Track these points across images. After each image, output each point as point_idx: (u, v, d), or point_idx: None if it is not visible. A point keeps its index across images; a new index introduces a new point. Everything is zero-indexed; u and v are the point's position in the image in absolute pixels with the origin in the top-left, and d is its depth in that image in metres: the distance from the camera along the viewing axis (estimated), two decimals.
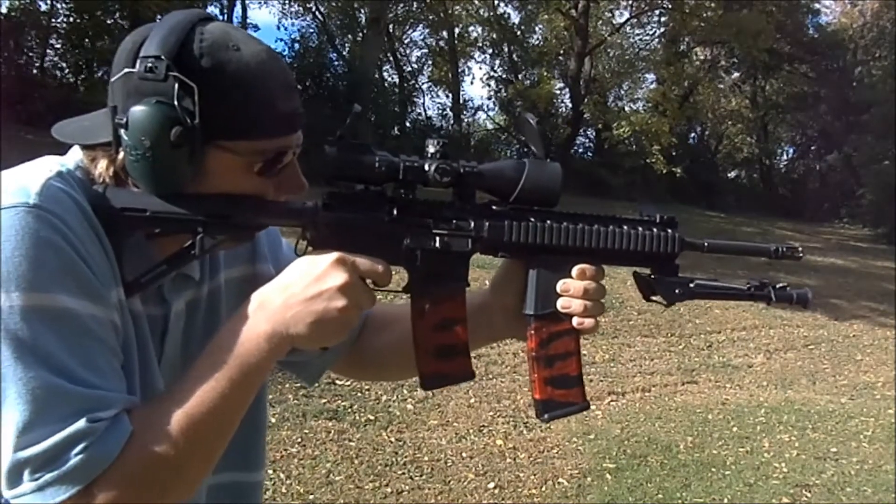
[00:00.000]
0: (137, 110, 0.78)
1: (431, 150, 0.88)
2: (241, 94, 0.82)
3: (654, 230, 0.97)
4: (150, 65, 0.78)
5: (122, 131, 0.79)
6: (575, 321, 0.94)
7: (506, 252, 0.94)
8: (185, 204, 0.83)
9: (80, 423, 0.71)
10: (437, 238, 0.89)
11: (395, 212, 0.88)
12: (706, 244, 1.00)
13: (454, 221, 0.90)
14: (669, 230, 0.97)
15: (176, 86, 0.78)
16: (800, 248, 1.03)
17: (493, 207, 0.92)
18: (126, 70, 0.80)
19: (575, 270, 0.94)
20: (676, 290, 0.98)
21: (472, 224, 0.91)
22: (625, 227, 0.95)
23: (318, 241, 0.86)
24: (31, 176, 0.78)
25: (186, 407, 0.76)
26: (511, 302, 0.98)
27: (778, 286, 1.00)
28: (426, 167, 0.87)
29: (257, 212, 0.87)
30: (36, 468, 0.71)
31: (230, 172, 0.84)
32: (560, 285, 0.94)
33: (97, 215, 0.80)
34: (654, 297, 0.99)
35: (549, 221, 0.93)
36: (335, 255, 0.82)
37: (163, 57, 0.78)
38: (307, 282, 0.80)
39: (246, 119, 0.82)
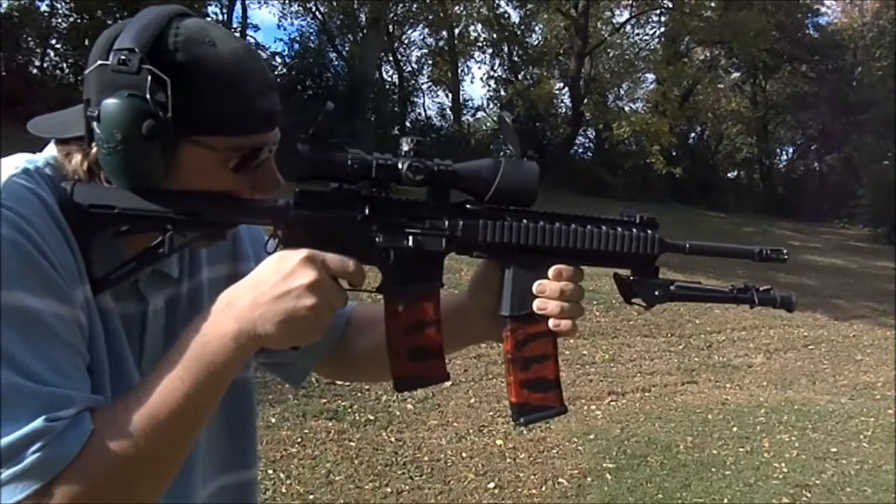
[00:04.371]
0: (109, 103, 0.77)
1: (405, 148, 0.87)
2: (216, 89, 0.81)
3: (634, 231, 0.94)
4: (123, 57, 0.77)
5: (94, 124, 0.78)
6: (551, 323, 0.92)
7: (481, 252, 0.92)
8: (155, 200, 0.82)
9: (38, 422, 0.70)
10: (411, 237, 0.88)
11: (367, 210, 0.86)
12: (687, 246, 0.98)
13: (428, 220, 0.89)
14: (649, 231, 0.95)
15: (149, 79, 0.77)
16: (785, 251, 0.99)
17: (468, 206, 0.91)
18: (99, 62, 0.79)
19: (551, 271, 0.92)
20: (656, 292, 0.95)
21: (447, 223, 0.89)
22: (603, 228, 0.93)
23: (289, 240, 0.85)
24: None
25: (150, 407, 0.75)
26: (488, 303, 0.96)
27: (761, 289, 0.98)
28: (399, 165, 0.86)
29: (228, 210, 0.85)
30: None
31: (204, 168, 0.83)
32: (536, 286, 0.92)
33: (65, 212, 0.79)
34: (634, 300, 0.97)
35: (525, 221, 0.91)
36: (305, 252, 0.80)
37: (136, 50, 0.77)
38: (276, 280, 0.79)
39: (220, 115, 0.81)
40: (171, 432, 0.76)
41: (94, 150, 0.80)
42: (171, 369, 0.77)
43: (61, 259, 0.77)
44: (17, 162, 0.81)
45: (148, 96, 0.77)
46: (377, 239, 0.87)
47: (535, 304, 0.92)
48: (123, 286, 0.86)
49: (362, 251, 0.86)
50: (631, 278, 0.97)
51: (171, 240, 0.83)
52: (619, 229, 0.94)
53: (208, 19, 0.94)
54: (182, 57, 0.79)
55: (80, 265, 0.80)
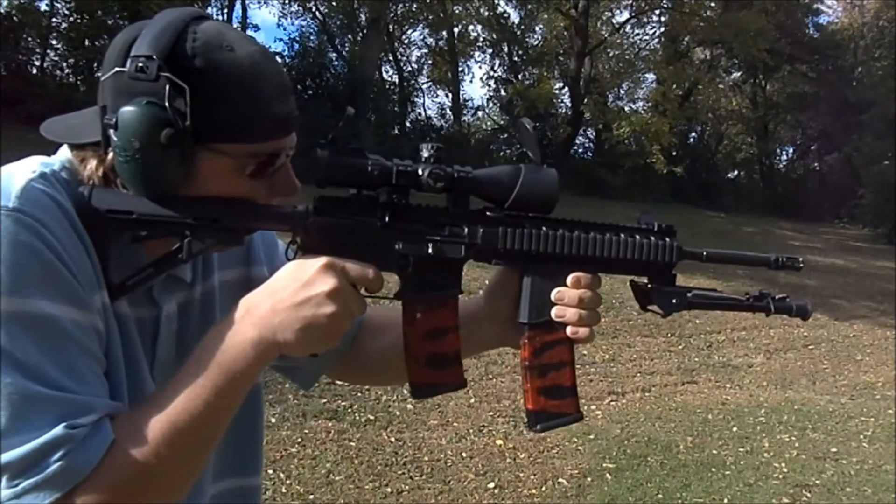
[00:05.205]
0: (127, 111, 0.76)
1: (426, 154, 0.86)
2: (234, 95, 0.80)
3: (652, 239, 0.95)
4: (140, 64, 0.76)
5: (111, 132, 0.77)
6: (569, 330, 0.92)
7: (500, 259, 0.92)
8: (173, 206, 0.81)
9: (58, 430, 0.69)
10: (430, 244, 0.87)
11: (387, 217, 0.86)
12: (705, 253, 0.98)
13: (447, 227, 0.88)
14: (667, 239, 0.95)
15: (167, 86, 0.76)
16: (800, 259, 1.00)
17: (488, 214, 0.91)
18: (116, 69, 0.78)
19: (570, 279, 0.92)
20: (673, 300, 0.96)
21: (466, 230, 0.89)
22: (622, 236, 0.94)
23: (308, 246, 0.84)
24: (12, 178, 0.76)
25: (170, 414, 0.75)
26: (505, 310, 0.96)
27: (777, 297, 0.98)
28: (420, 172, 0.85)
29: (247, 215, 0.85)
30: (14, 475, 0.69)
31: (222, 175, 0.82)
32: (555, 294, 0.92)
33: (82, 217, 0.79)
34: (650, 307, 0.97)
35: (544, 228, 0.91)
36: (324, 259, 0.80)
37: (154, 56, 0.76)
38: (295, 287, 0.78)
39: (239, 121, 0.80)
40: (191, 439, 0.76)
41: (110, 156, 0.80)
42: (190, 376, 0.77)
43: (79, 265, 0.76)
44: (33, 165, 0.80)
45: (166, 104, 0.76)
46: (396, 246, 0.87)
47: (554, 312, 0.92)
48: (138, 291, 0.85)
49: (381, 258, 0.85)
50: (648, 286, 0.97)
51: (189, 245, 0.82)
52: (638, 237, 0.94)
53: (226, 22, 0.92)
54: (200, 63, 0.78)
55: (97, 270, 0.79)
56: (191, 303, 0.95)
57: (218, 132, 0.80)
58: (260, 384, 1.06)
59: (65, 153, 0.85)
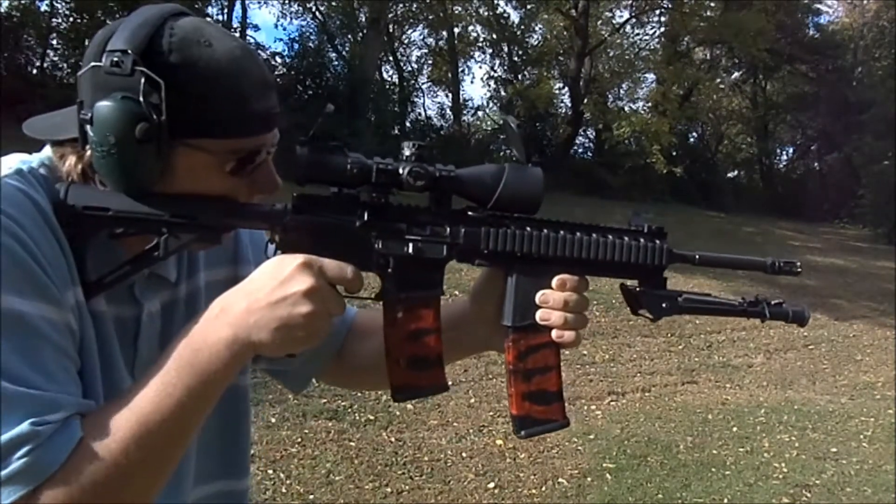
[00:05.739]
0: (102, 105, 0.76)
1: (407, 152, 0.85)
2: (212, 90, 0.79)
3: (641, 240, 0.92)
4: (115, 59, 0.76)
5: (87, 127, 0.77)
6: (554, 334, 0.90)
7: (483, 260, 0.90)
8: (150, 203, 0.81)
9: (24, 427, 0.69)
10: (411, 244, 0.86)
11: (366, 216, 0.84)
12: (697, 256, 0.95)
13: (429, 227, 0.87)
14: (657, 241, 0.93)
15: (142, 81, 0.76)
16: (798, 264, 0.97)
17: (471, 213, 0.89)
18: (93, 64, 0.78)
19: (555, 281, 0.90)
20: (663, 304, 0.93)
21: (448, 230, 0.87)
22: (609, 237, 0.91)
23: (286, 245, 0.83)
24: None
25: (140, 414, 0.74)
26: (491, 312, 0.94)
27: (773, 302, 0.96)
28: (400, 170, 0.84)
29: (224, 213, 0.84)
30: None
31: (201, 171, 0.82)
32: (539, 296, 0.90)
33: (58, 214, 0.78)
34: (640, 311, 0.95)
35: (528, 229, 0.89)
36: (301, 257, 0.79)
37: (129, 51, 0.76)
38: (271, 286, 0.77)
39: (216, 117, 0.80)
40: (162, 440, 0.75)
41: (88, 152, 0.79)
42: (163, 376, 0.76)
43: (52, 261, 0.76)
44: (11, 162, 0.81)
45: (141, 98, 0.76)
46: (377, 245, 0.85)
47: (538, 315, 0.90)
48: (118, 289, 0.85)
49: (361, 257, 0.84)
50: (637, 289, 0.95)
51: (166, 243, 0.82)
52: (626, 239, 0.92)
53: (207, 19, 0.92)
54: (176, 58, 0.78)
55: (71, 268, 0.79)
56: (175, 302, 0.94)
57: (196, 127, 0.80)
58: (246, 386, 1.05)
59: (46, 151, 0.85)
